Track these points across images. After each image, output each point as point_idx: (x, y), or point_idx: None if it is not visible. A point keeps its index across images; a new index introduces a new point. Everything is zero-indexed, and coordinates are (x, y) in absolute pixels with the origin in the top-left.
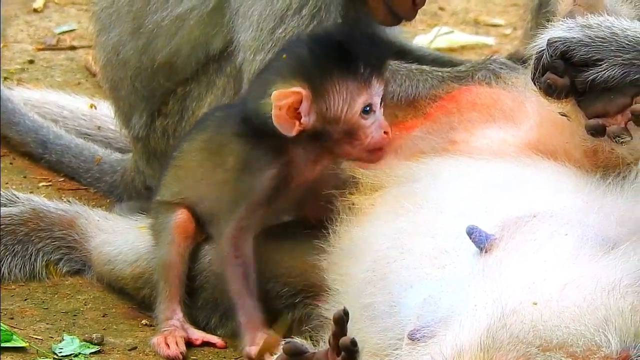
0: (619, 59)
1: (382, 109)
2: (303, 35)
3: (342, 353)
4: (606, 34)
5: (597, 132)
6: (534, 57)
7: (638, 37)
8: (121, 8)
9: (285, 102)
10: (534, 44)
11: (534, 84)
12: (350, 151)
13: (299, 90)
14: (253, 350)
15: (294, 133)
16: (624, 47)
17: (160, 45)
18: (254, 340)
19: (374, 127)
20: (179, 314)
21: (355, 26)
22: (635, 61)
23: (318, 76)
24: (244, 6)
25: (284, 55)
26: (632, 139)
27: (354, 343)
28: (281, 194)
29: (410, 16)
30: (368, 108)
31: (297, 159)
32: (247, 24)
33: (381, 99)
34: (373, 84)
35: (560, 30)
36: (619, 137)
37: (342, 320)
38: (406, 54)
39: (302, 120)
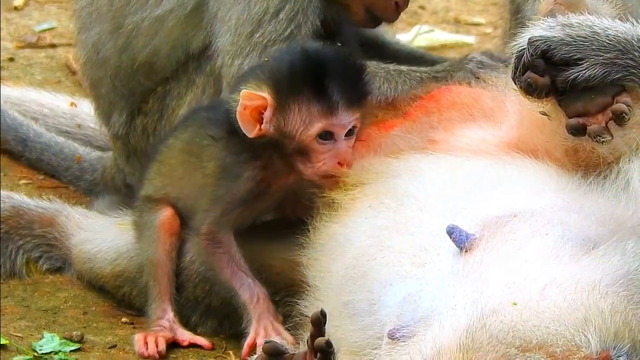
0: (600, 58)
1: (350, 140)
2: (298, 45)
3: (318, 354)
4: (587, 33)
5: (578, 131)
6: (514, 56)
7: (619, 37)
8: (101, 7)
9: (250, 103)
10: (515, 43)
11: (515, 83)
12: (302, 170)
13: (266, 96)
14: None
15: (252, 135)
16: (605, 46)
17: (140, 45)
18: (263, 329)
19: (329, 154)
20: (170, 314)
21: (345, 51)
22: (617, 60)
23: (285, 90)
24: (221, 10)
25: (267, 59)
26: (612, 138)
27: (329, 344)
28: (259, 197)
29: (392, 18)
30: (326, 135)
31: (271, 164)
32: (225, 29)
33: (351, 130)
34: (339, 114)
35: (541, 29)
36: (599, 136)
37: (319, 321)
38: (383, 48)
39: (262, 126)
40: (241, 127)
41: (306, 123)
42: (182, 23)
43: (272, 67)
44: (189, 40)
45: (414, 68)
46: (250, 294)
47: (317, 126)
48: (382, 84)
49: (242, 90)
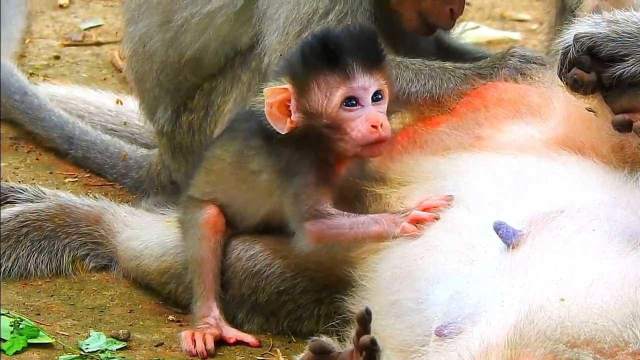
0: None
1: (380, 105)
2: (309, 34)
3: (363, 352)
4: (633, 29)
5: (624, 127)
6: (560, 52)
7: None
8: (151, 0)
9: (275, 99)
10: (561, 39)
11: (561, 79)
12: (345, 147)
13: (287, 87)
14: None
15: (286, 130)
16: None
17: (188, 40)
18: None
19: (360, 120)
20: (215, 311)
21: (354, 23)
22: None
23: (299, 72)
24: (270, 9)
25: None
26: None
27: (373, 342)
28: (330, 178)
29: (447, 25)
30: (352, 102)
31: (319, 152)
32: (274, 27)
33: (378, 96)
34: (356, 77)
35: (586, 25)
36: None
37: (364, 319)
38: (441, 44)
39: (292, 117)
40: (274, 127)
41: (327, 95)
42: (232, 20)
43: (285, 59)
44: (238, 37)
45: (458, 65)
46: (377, 226)
47: (338, 94)
48: (427, 80)
49: (264, 89)
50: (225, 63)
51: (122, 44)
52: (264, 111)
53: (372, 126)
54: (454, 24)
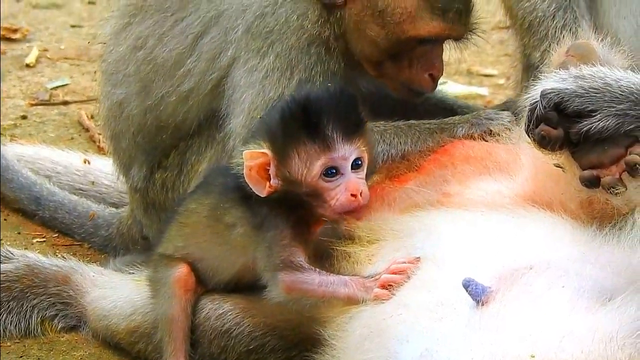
0: (612, 109)
1: (359, 172)
2: (289, 96)
3: None
4: (599, 84)
5: (592, 183)
6: (527, 108)
7: (631, 87)
8: (129, 69)
9: (254, 163)
10: (528, 95)
11: (528, 135)
12: (323, 213)
13: (266, 151)
14: None
15: (264, 194)
16: (617, 97)
17: (169, 111)
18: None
19: (339, 189)
20: None
21: (334, 87)
22: (629, 111)
23: (280, 139)
24: (236, 92)
25: (260, 116)
26: (626, 189)
27: None
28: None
29: (430, 89)
30: (332, 171)
31: (296, 214)
32: (239, 110)
33: (358, 163)
34: (336, 147)
35: (553, 81)
36: (613, 188)
37: None
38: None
39: (271, 182)
40: (253, 189)
41: (307, 165)
42: (206, 98)
43: (265, 121)
44: (215, 107)
45: (424, 121)
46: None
47: (318, 164)
48: (392, 139)
49: (244, 152)
50: (201, 124)
51: (99, 102)
52: (241, 172)
53: (352, 195)
54: (436, 86)
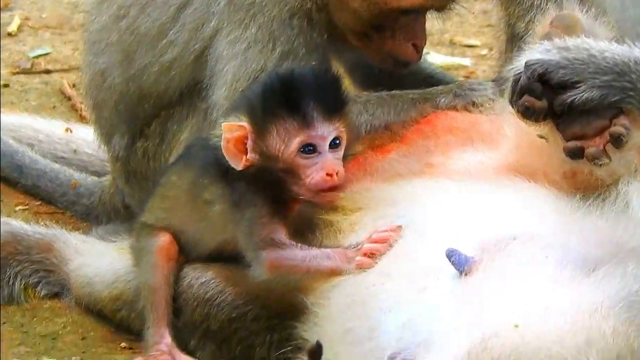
0: (597, 80)
1: (336, 152)
2: (273, 72)
3: None
4: (584, 56)
5: (576, 154)
6: (511, 79)
7: (616, 59)
8: (111, 37)
9: (232, 135)
10: (512, 66)
11: (512, 106)
12: (298, 191)
13: (244, 124)
14: None
15: (240, 167)
16: (602, 69)
17: (151, 81)
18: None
19: (315, 168)
20: (167, 338)
21: (317, 66)
22: (614, 83)
23: (259, 114)
24: (219, 64)
25: (242, 89)
26: (610, 161)
27: (319, 345)
28: (284, 209)
29: (415, 59)
30: (309, 148)
31: (272, 197)
32: (221, 82)
33: (336, 142)
34: (315, 125)
35: (537, 52)
36: (597, 159)
37: (315, 354)
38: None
39: (247, 155)
40: (229, 161)
41: (285, 141)
42: (189, 69)
43: (246, 95)
44: (197, 77)
45: (407, 91)
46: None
47: (296, 141)
48: (375, 109)
49: (223, 124)
50: (183, 93)
51: (81, 71)
52: (220, 144)
53: (327, 174)
54: (420, 56)
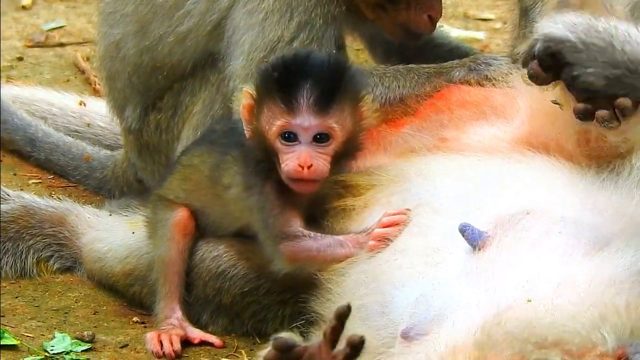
0: (606, 72)
1: (323, 147)
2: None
3: (346, 349)
4: (603, 43)
5: (586, 116)
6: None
7: (636, 53)
8: (127, 8)
9: (245, 102)
10: (526, 40)
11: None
12: (281, 172)
13: (253, 94)
14: None
15: (247, 135)
16: (615, 61)
17: (165, 51)
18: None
19: (291, 156)
20: (178, 313)
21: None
22: (623, 78)
23: (261, 88)
24: (236, 34)
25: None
26: (620, 124)
27: (362, 341)
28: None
29: (428, 30)
30: (290, 135)
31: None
32: (239, 52)
33: (324, 138)
34: (300, 114)
35: (556, 28)
36: (607, 121)
37: (344, 315)
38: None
39: (250, 126)
40: (243, 126)
41: (270, 122)
42: (204, 39)
43: (262, 68)
44: (211, 49)
45: (423, 65)
46: (342, 249)
47: (277, 124)
48: (391, 82)
49: (243, 89)
50: (196, 65)
51: (96, 42)
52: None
53: (299, 165)
54: (434, 28)
